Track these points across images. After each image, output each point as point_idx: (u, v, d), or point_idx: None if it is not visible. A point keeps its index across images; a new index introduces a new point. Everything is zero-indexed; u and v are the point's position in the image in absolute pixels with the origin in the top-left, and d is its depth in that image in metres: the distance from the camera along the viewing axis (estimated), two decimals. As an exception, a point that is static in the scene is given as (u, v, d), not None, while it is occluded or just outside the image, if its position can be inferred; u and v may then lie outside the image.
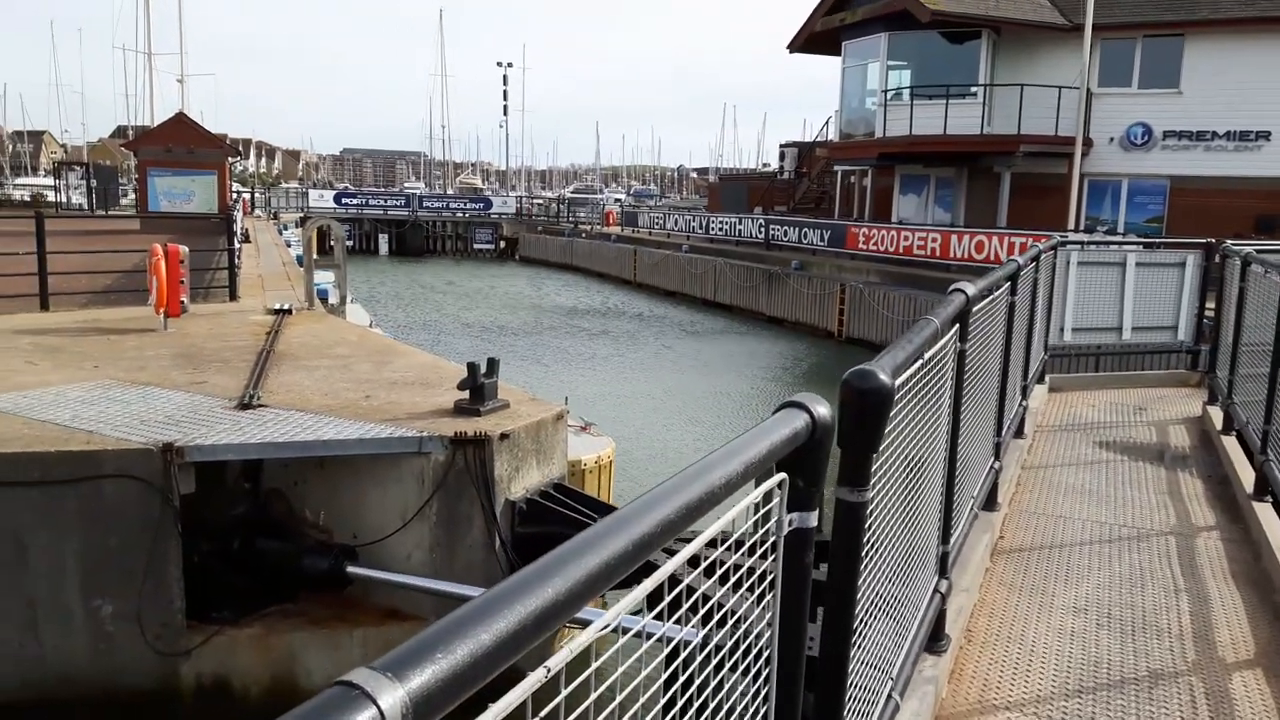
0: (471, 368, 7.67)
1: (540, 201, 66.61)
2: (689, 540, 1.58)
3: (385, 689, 0.78)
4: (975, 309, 3.88)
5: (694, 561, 1.58)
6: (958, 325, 3.55)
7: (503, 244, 53.97)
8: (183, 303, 11.47)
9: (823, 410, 1.78)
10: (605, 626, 1.20)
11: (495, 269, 47.30)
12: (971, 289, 3.69)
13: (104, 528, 6.39)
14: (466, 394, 7.66)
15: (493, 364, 7.89)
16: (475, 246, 53.81)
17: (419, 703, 0.79)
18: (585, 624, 1.28)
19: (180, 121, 30.33)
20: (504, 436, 7.19)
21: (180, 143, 28.63)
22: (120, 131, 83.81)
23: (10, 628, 6.32)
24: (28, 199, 51.47)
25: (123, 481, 6.36)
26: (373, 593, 7.36)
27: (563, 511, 7.34)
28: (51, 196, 53.57)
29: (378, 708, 0.76)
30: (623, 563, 1.12)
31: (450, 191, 76.64)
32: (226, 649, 6.77)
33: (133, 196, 42.09)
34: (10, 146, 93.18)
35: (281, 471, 7.71)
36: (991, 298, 4.65)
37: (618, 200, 71.48)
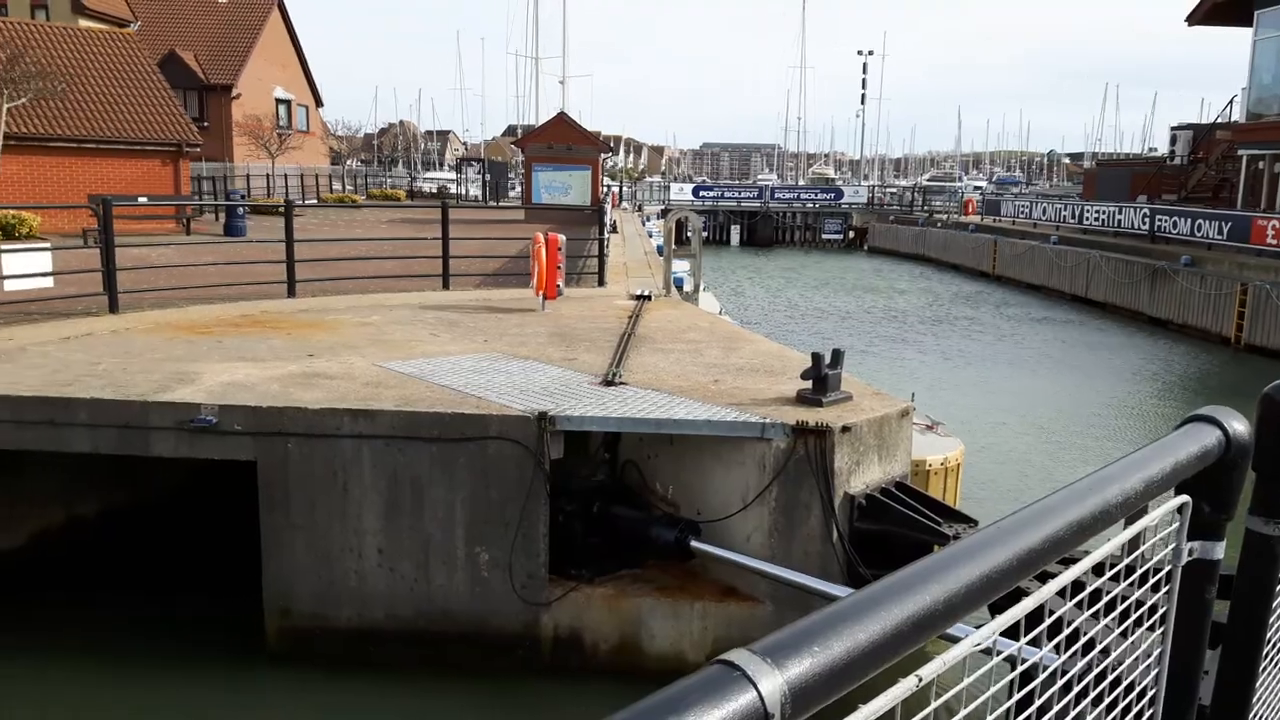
0: (816, 358, 7.65)
1: (893, 190, 64.76)
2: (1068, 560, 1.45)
3: (765, 674, 0.79)
4: None
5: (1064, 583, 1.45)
6: None
7: (851, 234, 53.22)
8: (558, 286, 12.51)
9: (1240, 427, 1.56)
10: (978, 645, 1.13)
11: (842, 259, 46.76)
12: None
13: (486, 483, 7.16)
14: (810, 383, 7.65)
15: (837, 355, 7.81)
16: (823, 236, 53.52)
17: (797, 693, 0.80)
18: (951, 639, 1.22)
19: (561, 120, 32.99)
20: (845, 429, 7.11)
21: (561, 140, 31.18)
22: (510, 130, 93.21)
23: (410, 564, 7.28)
24: (434, 191, 58.82)
25: (504, 443, 7.09)
26: (712, 569, 7.61)
27: (904, 511, 7.11)
28: (453, 189, 60.84)
29: (758, 691, 0.78)
30: (1005, 578, 1.05)
31: (802, 182, 76.84)
32: (582, 605, 7.33)
33: (519, 189, 46.57)
34: (423, 144, 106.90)
35: (637, 445, 8.18)
36: None
37: (977, 188, 67.71)
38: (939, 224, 45.15)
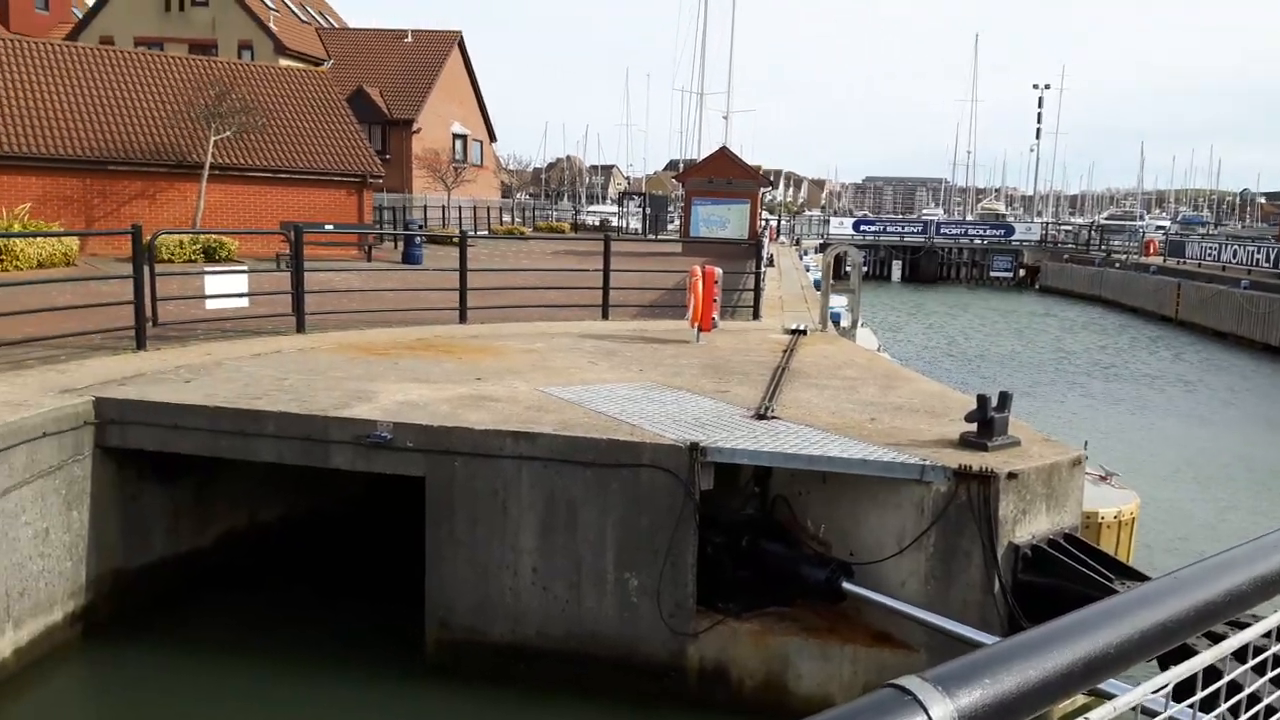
0: (981, 400, 7.41)
1: (1069, 228, 61.86)
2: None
3: (936, 701, 0.82)
4: None
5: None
6: None
7: (1021, 272, 51.13)
8: (714, 319, 12.61)
9: None
10: (1145, 699, 1.11)
11: (1011, 298, 44.95)
12: None
13: (637, 510, 7.28)
14: (974, 426, 7.41)
15: (1004, 398, 7.54)
16: (991, 274, 51.64)
17: (966, 722, 0.82)
18: (1104, 695, 1.20)
19: (722, 155, 33.29)
20: (1011, 476, 6.84)
21: (721, 174, 31.44)
22: (671, 164, 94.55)
23: (562, 585, 7.47)
24: (596, 223, 60.36)
25: (656, 471, 7.20)
26: (865, 612, 7.45)
27: (1073, 565, 6.76)
28: (614, 221, 62.20)
29: (928, 717, 0.81)
30: (1180, 628, 1.03)
31: (970, 218, 74.54)
32: (728, 638, 7.31)
33: (678, 222, 47.12)
34: (587, 178, 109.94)
35: (788, 480, 8.13)
36: None
37: (1160, 228, 63.86)
38: (1117, 264, 42.83)
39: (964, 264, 53.01)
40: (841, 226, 57.37)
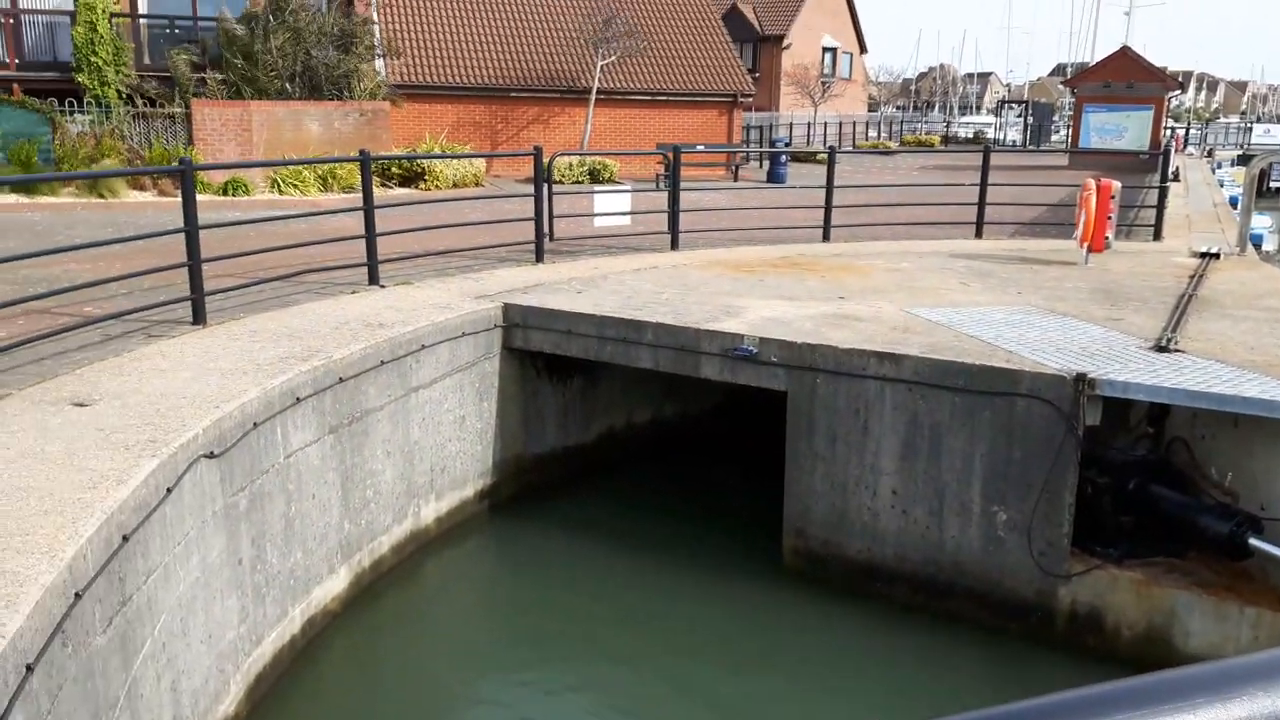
0: None
1: None
2: None
3: None
4: None
5: None
6: None
7: None
8: (1107, 239, 11.45)
9: None
10: None
11: None
12: None
13: (1010, 441, 6.92)
14: None
15: None
16: None
17: None
18: None
19: (1123, 55, 29.74)
20: None
21: (1120, 77, 28.15)
22: (1058, 69, 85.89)
23: (922, 511, 7.35)
24: (969, 136, 56.65)
25: (1033, 402, 6.78)
26: (1274, 574, 6.59)
27: None
28: (990, 133, 58.05)
29: None
30: None
31: None
32: (1106, 585, 6.81)
33: (1064, 133, 42.99)
34: (961, 88, 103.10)
35: (1189, 421, 7.30)
36: None
37: None
38: None
39: None
40: (1268, 134, 49.22)
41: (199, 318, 7.71)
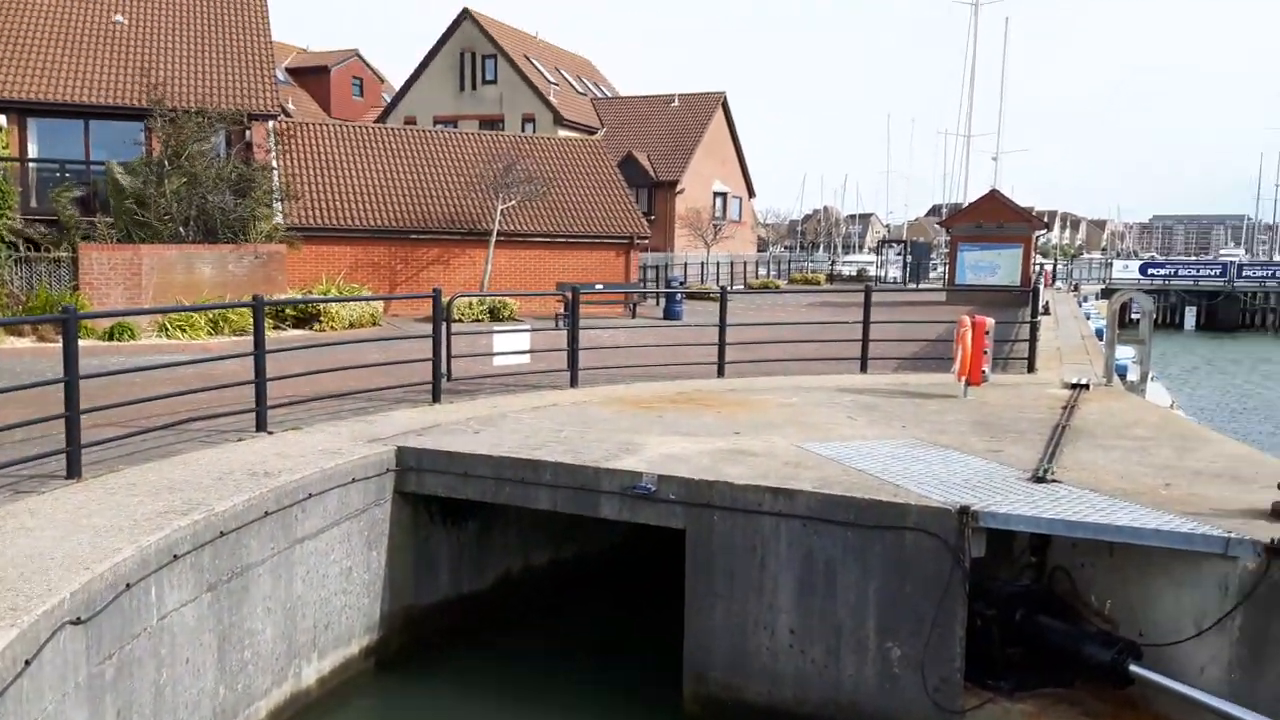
0: (1302, 468, 6.59)
1: None
2: None
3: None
4: None
5: None
6: None
7: (1351, 318, 44.83)
8: (984, 372, 12.03)
9: None
10: None
11: (1339, 347, 39.40)
12: None
13: (901, 575, 7.05)
14: (1292, 498, 6.59)
15: (1331, 467, 6.65)
16: (1310, 320, 45.65)
17: None
18: None
19: (992, 198, 31.93)
20: (1342, 556, 6.00)
21: (991, 218, 30.14)
22: (934, 210, 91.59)
23: (820, 649, 7.35)
24: (853, 274, 59.40)
25: (921, 535, 6.95)
26: (1155, 700, 6.76)
27: None
28: (872, 271, 60.99)
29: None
30: None
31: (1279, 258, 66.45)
32: (1000, 719, 6.88)
33: (941, 270, 45.50)
34: (844, 228, 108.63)
35: (1069, 551, 7.58)
36: None
37: None
38: None
39: (1271, 310, 47.26)
40: (1126, 270, 53.13)
41: (74, 471, 7.38)
